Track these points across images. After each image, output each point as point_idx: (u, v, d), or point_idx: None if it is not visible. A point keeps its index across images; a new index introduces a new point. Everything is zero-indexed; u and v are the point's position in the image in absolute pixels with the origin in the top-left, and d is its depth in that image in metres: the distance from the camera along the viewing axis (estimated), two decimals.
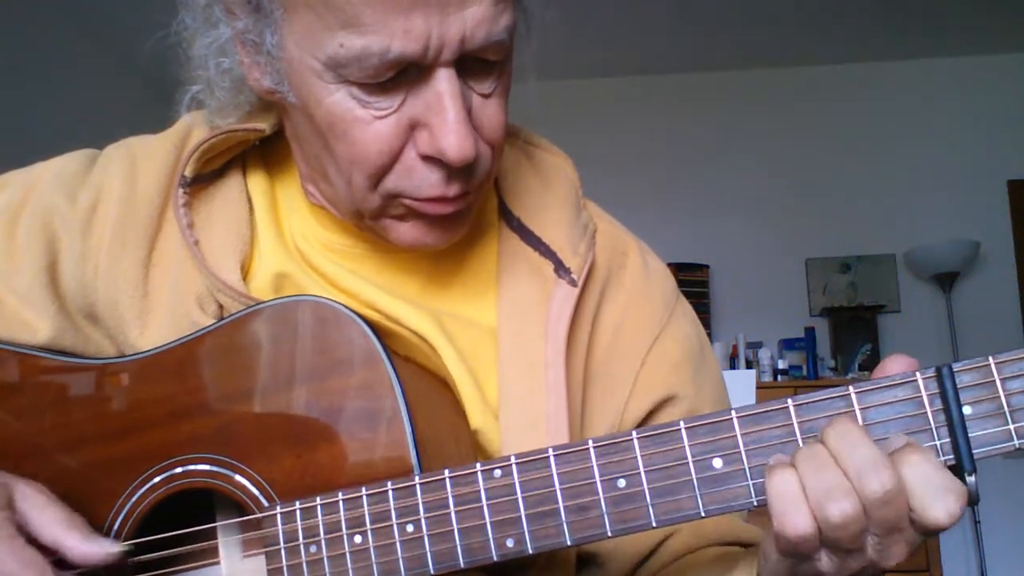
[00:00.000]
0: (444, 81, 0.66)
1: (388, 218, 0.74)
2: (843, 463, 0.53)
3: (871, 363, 4.46)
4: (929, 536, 0.54)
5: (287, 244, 0.82)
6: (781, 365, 4.42)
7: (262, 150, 0.85)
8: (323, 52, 0.66)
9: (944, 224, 4.56)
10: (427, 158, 0.69)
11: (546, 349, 0.75)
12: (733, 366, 4.39)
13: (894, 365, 0.57)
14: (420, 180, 0.70)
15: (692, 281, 4.45)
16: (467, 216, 0.76)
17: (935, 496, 0.52)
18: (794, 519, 0.53)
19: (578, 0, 3.97)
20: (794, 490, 0.54)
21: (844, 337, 4.58)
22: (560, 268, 0.79)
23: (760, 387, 3.80)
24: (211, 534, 0.73)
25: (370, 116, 0.67)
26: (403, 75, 0.66)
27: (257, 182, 0.84)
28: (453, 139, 0.66)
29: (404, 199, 0.71)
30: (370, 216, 0.74)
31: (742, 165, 4.80)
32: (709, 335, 3.51)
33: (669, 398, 0.81)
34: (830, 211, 4.73)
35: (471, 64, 0.68)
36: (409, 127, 0.68)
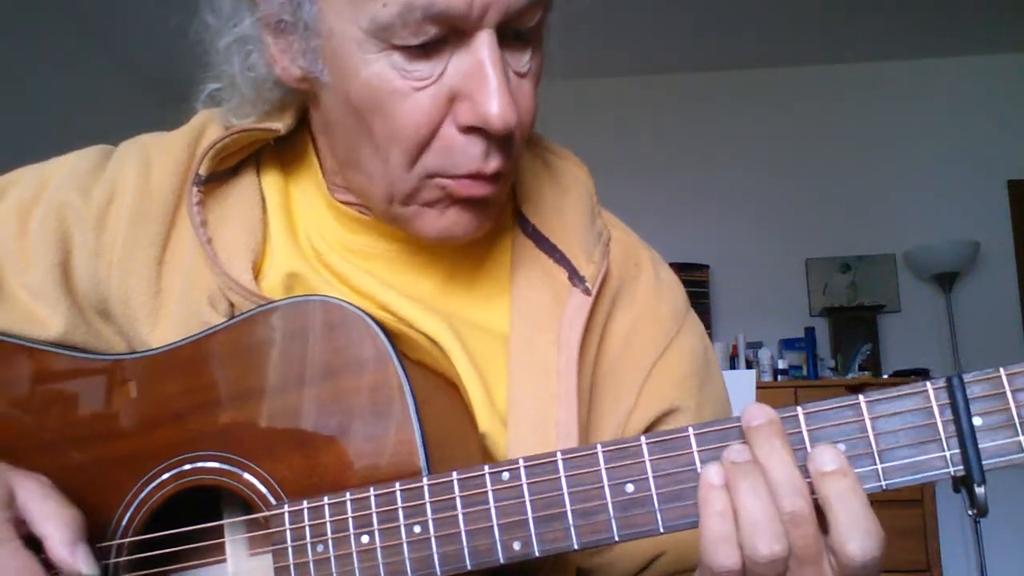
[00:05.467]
0: (486, 47, 0.66)
1: (419, 204, 0.73)
2: (770, 480, 0.54)
3: (871, 363, 4.47)
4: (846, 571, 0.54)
5: (300, 244, 0.81)
6: (781, 365, 4.43)
7: (277, 149, 0.85)
8: (365, 16, 0.65)
9: (944, 224, 4.57)
10: (467, 130, 0.68)
11: (558, 357, 0.75)
12: (733, 366, 4.39)
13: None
14: (458, 156, 0.69)
15: (692, 281, 4.45)
16: (495, 206, 0.76)
17: (858, 532, 0.53)
18: (724, 553, 0.54)
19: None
20: (728, 526, 0.55)
21: (844, 337, 4.58)
22: (574, 276, 0.79)
23: (760, 387, 3.81)
24: (218, 532, 0.73)
25: (409, 87, 0.67)
26: (444, 42, 0.66)
27: (271, 181, 0.84)
28: (496, 104, 0.66)
29: (440, 179, 0.71)
30: (402, 200, 0.73)
31: (742, 165, 4.80)
32: (709, 335, 3.51)
33: (672, 410, 0.81)
34: (830, 211, 4.73)
35: (509, 38, 0.68)
36: (448, 99, 0.68)
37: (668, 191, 4.75)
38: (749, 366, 4.39)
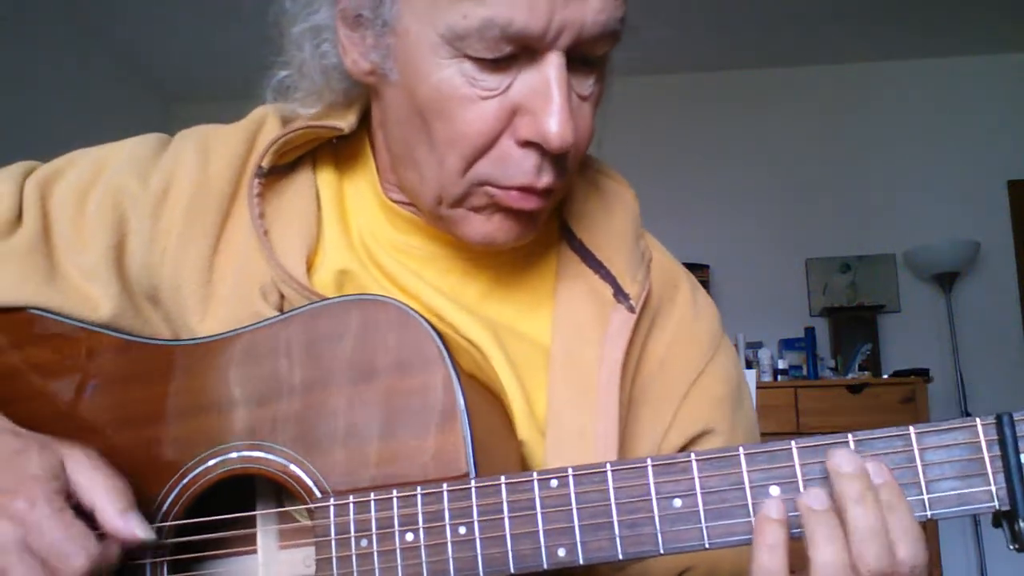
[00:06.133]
0: (554, 67, 0.67)
1: (466, 208, 0.74)
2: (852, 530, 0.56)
3: (871, 363, 4.48)
4: None
5: (352, 241, 0.82)
6: (781, 365, 4.44)
7: (334, 148, 0.86)
8: (444, 23, 0.67)
9: (944, 224, 4.58)
10: (524, 144, 0.70)
11: (600, 371, 0.76)
12: None
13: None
14: (512, 168, 0.70)
15: None
16: (540, 219, 0.77)
17: (907, 537, 0.55)
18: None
19: None
20: (779, 558, 0.56)
21: (844, 337, 4.59)
22: (619, 293, 0.80)
23: (760, 387, 3.82)
24: (250, 524, 0.74)
25: (476, 95, 0.68)
26: (515, 58, 0.68)
27: (326, 178, 0.84)
28: (556, 122, 0.67)
29: (490, 187, 0.72)
30: (450, 203, 0.74)
31: (742, 165, 4.81)
32: None
33: (707, 431, 0.82)
34: (830, 211, 4.75)
35: (576, 63, 0.70)
36: (511, 112, 0.69)
37: (668, 191, 4.75)
38: (749, 366, 4.40)
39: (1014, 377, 4.45)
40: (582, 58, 0.70)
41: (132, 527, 0.65)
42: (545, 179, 0.71)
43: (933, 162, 4.72)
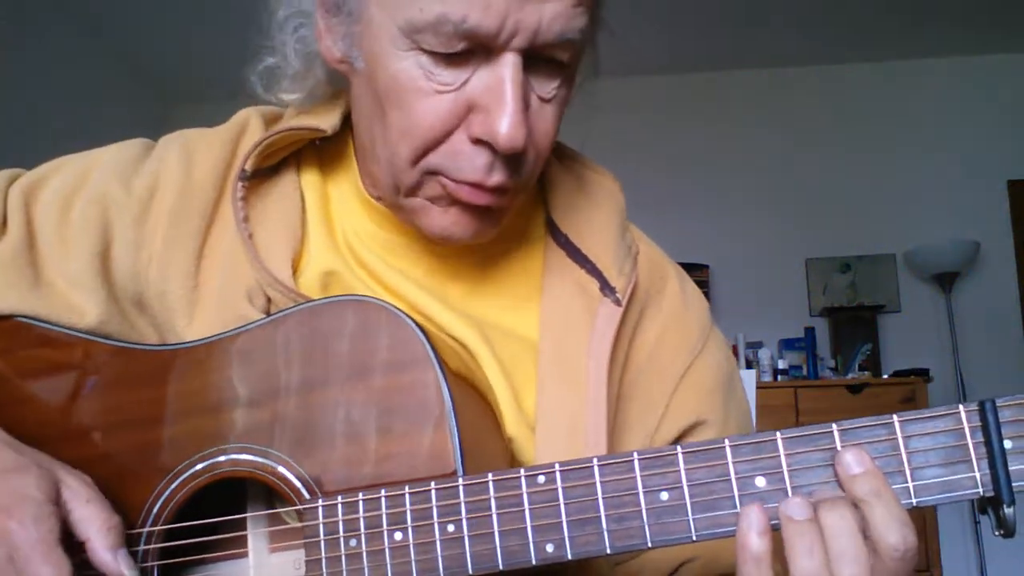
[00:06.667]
0: (509, 67, 0.68)
1: (423, 198, 0.75)
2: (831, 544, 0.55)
3: (871, 363, 4.48)
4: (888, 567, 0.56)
5: (337, 242, 0.82)
6: (781, 365, 4.43)
7: (317, 150, 0.86)
8: (403, 15, 0.67)
9: (944, 224, 4.58)
10: (476, 142, 0.70)
11: (589, 365, 0.76)
12: None
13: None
14: (463, 162, 0.71)
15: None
16: (499, 217, 0.77)
17: (896, 523, 0.55)
18: None
19: None
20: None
21: (844, 337, 4.59)
22: (606, 287, 0.80)
23: (760, 387, 3.81)
24: (241, 526, 0.74)
25: (432, 89, 0.69)
26: (471, 54, 0.68)
27: (310, 180, 0.85)
28: (507, 124, 0.67)
29: (442, 178, 0.72)
30: (406, 192, 0.75)
31: (742, 165, 4.81)
32: None
33: (699, 423, 0.83)
34: (830, 211, 4.74)
35: (539, 64, 0.70)
36: (466, 108, 0.70)
37: (668, 191, 4.75)
38: (749, 366, 4.40)
39: (1014, 377, 4.44)
40: (546, 59, 0.70)
41: (121, 567, 0.66)
42: (496, 177, 0.71)
43: (933, 162, 4.71)
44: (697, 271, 4.54)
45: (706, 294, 4.54)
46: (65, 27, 4.12)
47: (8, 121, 3.59)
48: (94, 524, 0.66)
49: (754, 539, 0.56)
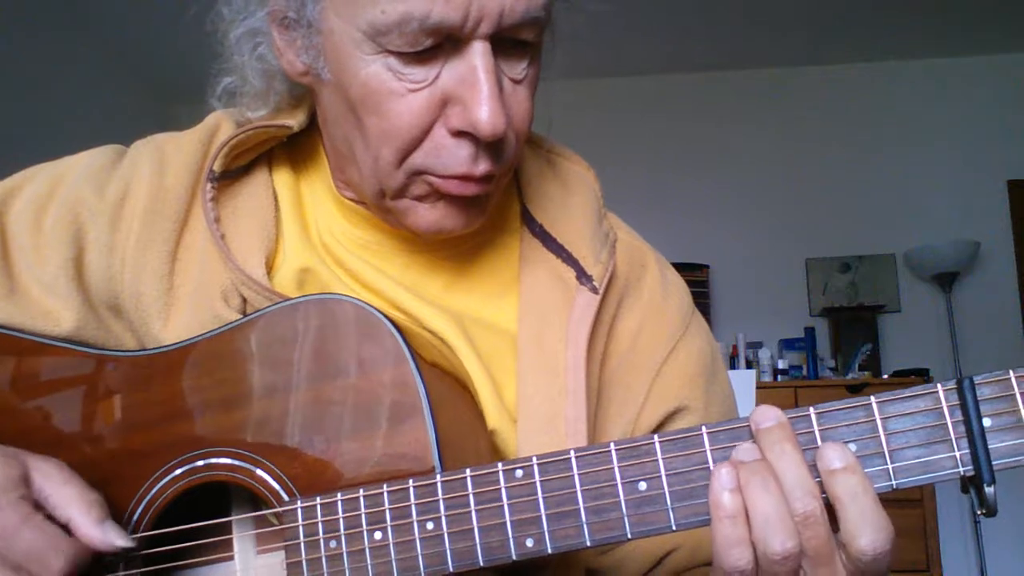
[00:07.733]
0: (479, 55, 0.67)
1: (410, 198, 0.74)
2: (781, 483, 0.55)
3: (871, 363, 4.47)
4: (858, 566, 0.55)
5: (312, 240, 0.82)
6: (781, 365, 4.43)
7: (288, 148, 0.86)
8: (364, 19, 0.67)
9: (944, 224, 4.57)
10: (457, 134, 0.70)
11: (566, 354, 0.76)
12: (733, 366, 4.39)
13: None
14: (448, 157, 0.71)
15: (692, 281, 4.42)
16: (486, 204, 0.77)
17: (868, 528, 0.54)
18: (736, 554, 0.55)
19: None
20: (740, 528, 0.55)
21: (844, 337, 4.59)
22: (582, 275, 0.80)
23: (760, 387, 3.81)
24: (226, 530, 0.73)
25: (404, 88, 0.69)
26: (439, 48, 0.68)
27: (283, 178, 0.85)
28: (486, 111, 0.67)
29: (428, 176, 0.72)
30: (392, 195, 0.74)
31: (742, 165, 4.81)
32: None
33: (680, 409, 0.82)
34: (830, 211, 4.74)
35: (506, 45, 0.69)
36: (442, 102, 0.69)
37: (668, 191, 4.75)
38: (749, 366, 4.40)
39: None
40: (512, 40, 0.70)
41: (110, 537, 0.65)
42: (483, 166, 0.71)
43: (933, 162, 4.71)
44: (697, 271, 4.53)
45: (706, 294, 4.56)
46: (65, 28, 4.12)
47: (8, 121, 3.59)
48: (74, 503, 0.65)
49: (726, 497, 0.56)
